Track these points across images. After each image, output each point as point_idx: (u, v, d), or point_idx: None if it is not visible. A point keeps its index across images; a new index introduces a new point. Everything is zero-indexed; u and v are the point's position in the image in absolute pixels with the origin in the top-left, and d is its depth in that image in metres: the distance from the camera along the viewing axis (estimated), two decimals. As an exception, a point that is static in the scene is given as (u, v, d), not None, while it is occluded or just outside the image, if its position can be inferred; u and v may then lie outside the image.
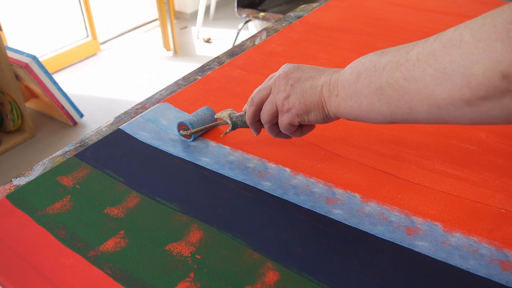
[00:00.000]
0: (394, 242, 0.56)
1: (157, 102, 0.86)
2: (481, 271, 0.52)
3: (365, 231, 0.57)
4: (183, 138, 0.73)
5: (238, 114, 0.68)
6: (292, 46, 1.05)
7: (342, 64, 0.95)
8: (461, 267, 0.52)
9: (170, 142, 0.74)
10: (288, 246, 0.56)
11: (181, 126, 0.72)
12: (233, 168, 0.68)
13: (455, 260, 0.53)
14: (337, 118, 0.56)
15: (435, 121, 0.46)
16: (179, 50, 3.04)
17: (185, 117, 0.73)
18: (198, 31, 3.19)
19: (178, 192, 0.64)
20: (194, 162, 0.70)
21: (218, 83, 0.91)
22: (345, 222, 0.59)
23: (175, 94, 0.88)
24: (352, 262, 0.54)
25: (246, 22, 2.33)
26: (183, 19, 3.50)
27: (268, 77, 0.63)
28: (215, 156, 0.71)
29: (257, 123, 0.64)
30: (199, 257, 0.55)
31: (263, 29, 1.17)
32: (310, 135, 0.72)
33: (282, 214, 0.61)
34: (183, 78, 0.96)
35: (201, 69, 0.98)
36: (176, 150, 0.72)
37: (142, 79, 2.71)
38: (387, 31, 1.10)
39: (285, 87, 0.58)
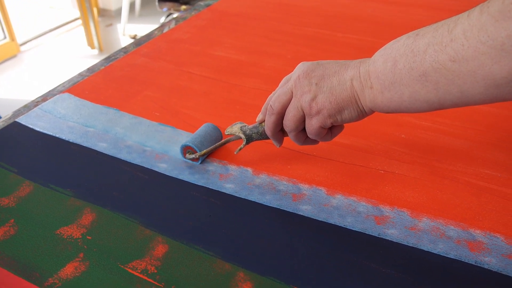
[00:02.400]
0: (280, 208, 0.59)
1: (59, 94, 0.85)
2: (358, 227, 0.56)
3: (254, 201, 0.60)
4: (191, 162, 0.66)
5: (251, 126, 0.62)
6: (199, 33, 1.06)
7: (246, 48, 0.99)
8: (339, 225, 0.56)
9: (68, 130, 0.73)
10: (179, 221, 0.57)
11: (186, 149, 0.65)
12: (131, 152, 0.69)
13: (334, 219, 0.57)
14: (372, 112, 0.52)
15: (491, 101, 0.42)
16: (105, 47, 2.98)
17: (188, 139, 0.66)
18: (123, 28, 3.14)
19: (73, 178, 0.64)
20: (92, 148, 0.70)
21: (121, 72, 0.91)
22: (236, 195, 0.61)
23: (76, 84, 0.87)
24: (240, 231, 0.56)
25: (168, 15, 2.31)
26: (108, 16, 3.43)
27: (283, 81, 0.57)
28: (112, 141, 0.71)
29: (279, 133, 0.58)
30: (90, 238, 0.55)
31: (172, 19, 1.18)
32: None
33: (176, 192, 0.62)
34: (88, 69, 0.95)
35: (107, 60, 0.98)
36: (73, 137, 0.72)
37: (66, 79, 2.64)
38: (293, 15, 1.13)
39: (309, 88, 0.52)
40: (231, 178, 0.64)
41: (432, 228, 0.55)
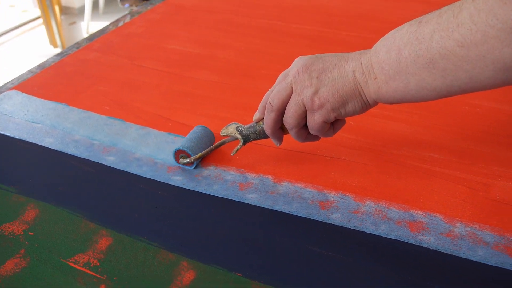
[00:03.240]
0: (227, 198, 0.59)
1: (6, 91, 0.83)
2: (302, 212, 0.56)
3: (201, 192, 0.60)
4: (185, 167, 0.63)
5: (248, 125, 0.60)
6: (153, 27, 1.05)
7: (200, 41, 0.98)
8: (284, 211, 0.57)
9: (13, 126, 0.72)
10: (124, 214, 0.57)
11: (179, 153, 0.62)
12: (78, 146, 0.68)
13: (279, 206, 0.57)
14: (376, 104, 0.51)
15: (499, 85, 0.42)
16: (68, 46, 2.92)
17: (180, 143, 0.63)
18: (87, 26, 3.09)
19: (17, 175, 0.63)
20: (38, 143, 0.69)
21: (72, 67, 0.89)
22: (184, 187, 0.61)
23: (25, 81, 0.85)
24: (186, 222, 0.56)
25: (130, 12, 2.29)
26: (71, 14, 3.37)
27: (280, 77, 0.55)
28: (60, 136, 0.70)
29: (279, 131, 0.57)
30: (32, 233, 0.55)
31: (127, 13, 1.17)
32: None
33: (123, 185, 0.61)
34: (38, 65, 0.93)
35: (59, 55, 0.96)
36: (19, 133, 0.71)
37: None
38: (248, 7, 1.13)
39: (310, 82, 0.50)
40: (179, 171, 0.63)
41: (375, 211, 0.56)
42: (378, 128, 0.71)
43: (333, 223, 0.55)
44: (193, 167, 0.62)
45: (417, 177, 0.61)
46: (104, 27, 1.09)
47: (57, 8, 2.86)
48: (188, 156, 0.62)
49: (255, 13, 1.10)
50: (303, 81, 0.51)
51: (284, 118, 0.54)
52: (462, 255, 0.51)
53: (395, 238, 0.53)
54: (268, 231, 0.54)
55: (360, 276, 0.49)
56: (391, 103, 0.49)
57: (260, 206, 0.57)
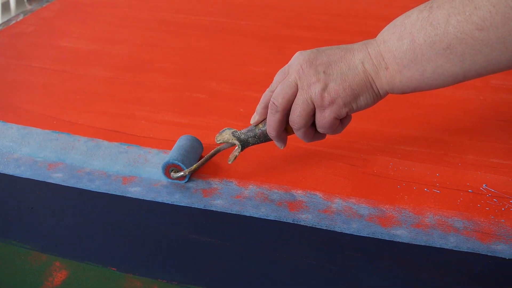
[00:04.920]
0: (108, 192, 0.57)
1: None
2: (184, 202, 0.56)
3: (83, 189, 0.58)
4: (177, 181, 0.58)
5: (245, 130, 0.56)
6: (45, 25, 1.01)
7: (94, 37, 0.95)
8: (166, 202, 0.56)
9: None
10: (-3, 217, 0.54)
11: (169, 167, 0.57)
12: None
13: (162, 197, 0.56)
14: (387, 94, 0.48)
15: None
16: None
17: (169, 156, 0.57)
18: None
19: None
20: None
21: (-48, 70, 0.84)
22: (64, 184, 0.59)
23: None
24: (64, 221, 0.54)
25: (24, 10, 2.19)
26: (-20, 18, 3.18)
27: (279, 74, 0.51)
28: None
29: (284, 133, 0.53)
30: None
31: (21, 12, 1.11)
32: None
33: (-1, 187, 0.58)
34: None
35: None
36: None
37: None
38: (146, 1, 1.11)
39: (317, 77, 0.47)
40: (60, 167, 0.61)
41: (257, 194, 0.57)
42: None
43: (215, 210, 0.55)
44: (186, 181, 0.58)
45: (300, 157, 0.62)
46: (-6, 27, 1.03)
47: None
48: (180, 170, 0.57)
49: (153, 6, 1.08)
50: (309, 77, 0.48)
51: (291, 118, 0.50)
52: (337, 229, 0.52)
53: (274, 219, 0.53)
54: (147, 224, 0.53)
55: (240, 258, 0.49)
56: (404, 92, 0.47)
57: (141, 198, 0.56)
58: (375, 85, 0.47)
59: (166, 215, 0.54)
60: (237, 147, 0.56)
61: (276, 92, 0.50)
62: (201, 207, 0.55)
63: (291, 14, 1.04)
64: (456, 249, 0.50)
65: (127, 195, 0.57)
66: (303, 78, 0.48)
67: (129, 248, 0.50)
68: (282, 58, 0.86)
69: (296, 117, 0.49)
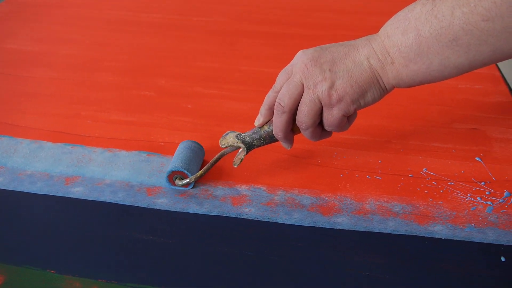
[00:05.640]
0: (50, 194, 0.56)
1: None
2: (128, 200, 0.55)
3: (25, 192, 0.57)
4: (181, 189, 0.57)
5: (250, 132, 0.55)
6: (-9, 27, 0.99)
7: (42, 38, 0.93)
8: (109, 201, 0.55)
9: None
10: None
11: (173, 175, 0.56)
12: None
13: (105, 197, 0.56)
14: (393, 89, 0.48)
15: None
16: None
17: (172, 164, 0.56)
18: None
19: None
20: None
21: None
22: (5, 188, 0.57)
23: None
24: (4, 225, 0.53)
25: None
26: None
27: (282, 74, 0.50)
28: None
29: (290, 133, 0.53)
30: None
31: (-33, 15, 1.08)
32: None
33: None
34: None
35: None
36: None
37: None
38: (97, 0, 1.10)
39: (323, 75, 0.47)
40: (1, 172, 0.60)
41: (201, 191, 0.57)
42: (215, 109, 0.71)
43: (158, 208, 0.54)
44: (191, 187, 0.57)
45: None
46: None
47: None
48: (185, 177, 0.56)
49: (103, 5, 1.07)
50: (315, 76, 0.47)
51: (298, 118, 0.50)
52: (279, 221, 0.52)
53: (217, 214, 0.53)
54: (88, 224, 0.53)
55: (182, 254, 0.49)
56: (411, 86, 0.47)
57: (83, 198, 0.56)
58: (382, 80, 0.47)
59: (109, 214, 0.54)
60: (241, 150, 0.55)
61: (281, 92, 0.49)
62: (145, 206, 0.55)
63: (242, 9, 1.04)
64: (394, 232, 0.51)
65: (69, 196, 0.56)
66: (309, 77, 0.48)
67: (69, 250, 0.49)
68: (232, 53, 0.87)
69: (304, 117, 0.49)
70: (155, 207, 0.55)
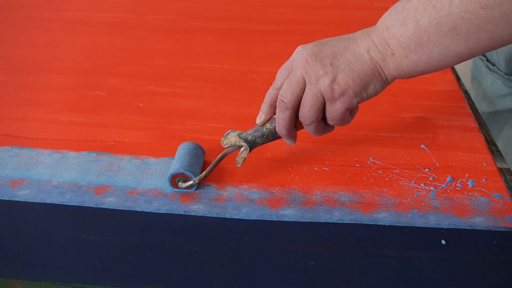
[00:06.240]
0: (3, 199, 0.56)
1: None
2: (75, 201, 0.55)
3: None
4: (184, 191, 0.56)
5: (251, 130, 0.54)
6: None
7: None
8: (56, 203, 0.55)
9: None
10: None
11: (175, 178, 0.55)
12: None
13: (52, 199, 0.55)
14: (394, 80, 0.49)
15: None
16: None
17: (174, 166, 0.55)
18: None
19: None
20: None
21: None
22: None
23: None
24: None
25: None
26: None
27: (282, 71, 0.50)
28: None
29: (293, 129, 0.53)
30: None
31: None
32: None
33: None
34: None
35: None
36: None
37: None
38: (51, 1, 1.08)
39: (325, 70, 0.47)
40: None
41: (150, 190, 0.56)
42: (167, 107, 0.71)
43: (107, 207, 0.54)
44: (194, 189, 0.56)
45: (197, 148, 0.62)
46: None
47: None
48: (187, 179, 0.55)
49: (56, 6, 1.05)
50: (317, 71, 0.47)
51: (301, 114, 0.50)
52: (227, 216, 0.53)
53: (166, 212, 0.53)
54: (33, 226, 0.52)
55: (129, 253, 0.49)
56: (411, 76, 0.48)
57: (29, 201, 0.55)
58: (383, 72, 0.47)
59: (55, 216, 0.53)
60: (244, 148, 0.55)
61: (283, 89, 0.49)
62: (93, 205, 0.54)
63: (197, 6, 1.03)
64: (340, 222, 0.52)
65: (15, 199, 0.55)
66: (310, 72, 0.48)
67: (13, 253, 0.49)
68: (187, 50, 0.87)
69: (307, 112, 0.49)
70: (103, 206, 0.54)
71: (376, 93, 0.49)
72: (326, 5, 1.02)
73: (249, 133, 0.55)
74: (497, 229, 0.51)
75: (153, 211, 0.54)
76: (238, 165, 0.55)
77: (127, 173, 0.59)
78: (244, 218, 0.53)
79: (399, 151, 0.61)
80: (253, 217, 0.53)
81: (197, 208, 0.54)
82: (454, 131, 0.65)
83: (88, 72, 0.80)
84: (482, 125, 0.68)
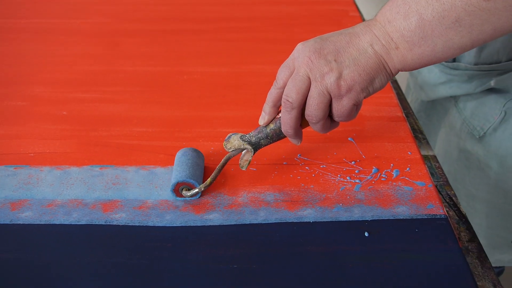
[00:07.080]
0: None
1: None
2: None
3: None
4: (188, 199, 0.54)
5: (255, 132, 0.53)
6: None
7: None
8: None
9: None
10: None
11: (178, 186, 0.53)
12: None
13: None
14: (397, 73, 0.48)
15: None
16: None
17: (176, 175, 0.53)
18: None
19: None
20: None
21: None
22: None
23: None
24: None
25: None
26: None
27: (283, 70, 0.49)
28: None
29: (300, 129, 0.51)
30: None
31: None
32: None
33: None
34: None
35: None
36: None
37: None
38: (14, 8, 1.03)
39: (329, 66, 0.46)
40: None
41: (70, 201, 0.54)
42: (93, 113, 0.69)
43: (23, 223, 0.52)
44: (198, 196, 0.54)
45: (123, 155, 0.60)
46: None
47: None
48: (192, 187, 0.53)
49: (16, 14, 1.00)
50: (321, 68, 0.46)
51: (307, 112, 0.49)
52: (150, 224, 0.51)
53: (86, 223, 0.51)
54: None
55: (53, 268, 0.46)
56: (415, 69, 0.48)
57: None
58: (388, 65, 0.47)
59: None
60: (247, 151, 0.53)
61: (288, 88, 0.48)
62: (7, 222, 0.52)
63: (124, 8, 1.01)
64: (265, 222, 0.51)
65: None
66: (315, 70, 0.47)
67: None
68: (116, 54, 0.84)
69: (314, 111, 0.48)
70: (19, 222, 0.52)
71: (381, 87, 0.49)
72: (255, 1, 1.01)
73: (253, 135, 0.53)
74: (419, 217, 0.51)
75: (73, 223, 0.51)
76: (243, 169, 0.54)
77: (46, 185, 0.56)
78: (167, 225, 0.51)
79: (326, 146, 0.61)
80: (177, 223, 0.51)
81: (119, 217, 0.52)
82: (381, 122, 0.65)
83: (8, 82, 0.77)
84: (410, 114, 0.70)
